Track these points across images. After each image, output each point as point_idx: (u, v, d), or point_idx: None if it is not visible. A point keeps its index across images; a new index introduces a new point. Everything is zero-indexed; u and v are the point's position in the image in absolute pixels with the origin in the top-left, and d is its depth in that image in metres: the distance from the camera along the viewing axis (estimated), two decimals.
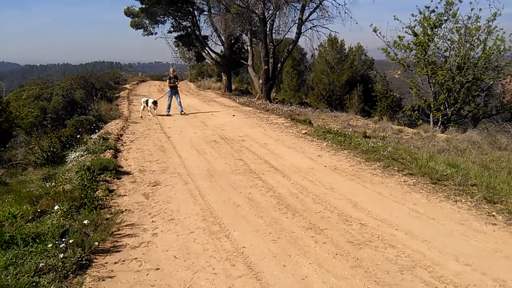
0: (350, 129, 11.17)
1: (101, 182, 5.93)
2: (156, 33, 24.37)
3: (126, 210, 4.95)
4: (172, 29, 24.15)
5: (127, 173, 6.58)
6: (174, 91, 13.89)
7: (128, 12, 23.69)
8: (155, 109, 13.20)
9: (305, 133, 9.90)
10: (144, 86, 27.90)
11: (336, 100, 25.58)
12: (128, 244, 4.01)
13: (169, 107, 13.78)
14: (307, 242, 4.02)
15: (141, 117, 12.94)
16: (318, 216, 4.70)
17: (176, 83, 14.22)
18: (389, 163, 6.86)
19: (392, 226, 4.36)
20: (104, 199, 5.30)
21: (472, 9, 14.13)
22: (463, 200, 5.12)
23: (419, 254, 3.72)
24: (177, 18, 23.47)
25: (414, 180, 5.98)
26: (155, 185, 5.90)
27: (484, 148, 9.09)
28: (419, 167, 6.41)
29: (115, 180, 6.16)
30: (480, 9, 13.98)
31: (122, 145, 8.78)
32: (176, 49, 32.17)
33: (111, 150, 7.92)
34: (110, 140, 8.86)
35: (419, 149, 8.22)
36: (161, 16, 23.23)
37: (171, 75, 14.19)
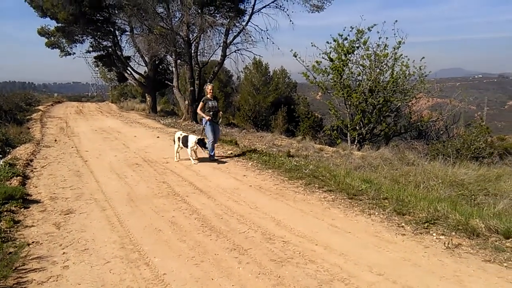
0: (275, 149, 11.45)
1: (5, 213, 5.33)
2: (75, 53, 23.16)
3: (33, 242, 4.50)
4: (91, 49, 23.11)
5: (36, 202, 6.01)
6: (215, 120, 9.18)
7: (42, 32, 22.23)
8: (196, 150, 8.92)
9: (231, 153, 9.95)
10: (60, 107, 26.18)
11: (262, 120, 26.34)
12: (35, 280, 3.63)
13: (213, 144, 9.20)
14: (231, 263, 3.98)
15: (55, 140, 12.02)
16: (242, 236, 4.70)
17: (220, 111, 9.55)
18: (310, 181, 7.13)
19: (313, 242, 4.50)
20: (8, 231, 4.77)
21: (380, 38, 15.43)
22: (376, 213, 5.48)
23: (336, 267, 3.87)
24: (97, 38, 22.55)
25: (333, 196, 6.28)
26: (68, 214, 5.46)
27: (394, 164, 9.86)
28: (337, 183, 6.74)
29: (21, 209, 5.59)
30: (387, 38, 15.38)
31: (32, 171, 8.04)
32: (96, 69, 30.81)
33: (18, 177, 7.20)
34: (17, 166, 8.06)
35: (337, 167, 8.67)
36: (79, 36, 22.17)
37: (209, 95, 9.23)
